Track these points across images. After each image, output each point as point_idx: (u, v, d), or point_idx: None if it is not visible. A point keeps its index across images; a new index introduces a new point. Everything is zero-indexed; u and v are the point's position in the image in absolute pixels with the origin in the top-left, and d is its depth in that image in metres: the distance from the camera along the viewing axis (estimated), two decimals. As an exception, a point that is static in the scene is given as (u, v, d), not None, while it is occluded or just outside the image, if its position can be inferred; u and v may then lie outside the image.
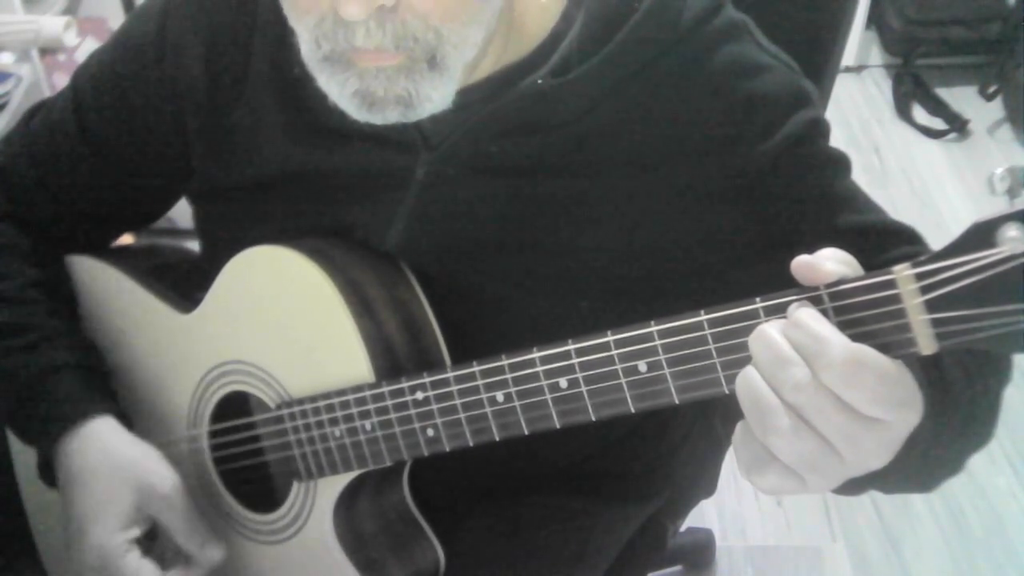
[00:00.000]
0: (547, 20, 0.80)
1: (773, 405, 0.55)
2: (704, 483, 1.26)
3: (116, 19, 2.30)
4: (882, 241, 0.77)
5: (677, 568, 1.78)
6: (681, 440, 1.11)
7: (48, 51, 2.14)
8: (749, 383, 0.56)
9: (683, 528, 1.39)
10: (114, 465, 0.87)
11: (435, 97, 0.73)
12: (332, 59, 0.71)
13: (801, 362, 0.54)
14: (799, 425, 0.54)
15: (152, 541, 0.89)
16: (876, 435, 0.55)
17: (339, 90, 0.72)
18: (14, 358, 0.91)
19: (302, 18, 0.71)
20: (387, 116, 0.73)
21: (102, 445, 0.88)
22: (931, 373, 0.61)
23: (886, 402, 0.54)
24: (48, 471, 0.92)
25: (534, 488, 1.00)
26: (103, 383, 0.94)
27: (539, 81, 0.77)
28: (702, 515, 1.85)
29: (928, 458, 0.64)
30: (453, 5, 0.69)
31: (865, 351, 0.54)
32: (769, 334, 0.56)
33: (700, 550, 1.78)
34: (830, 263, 0.56)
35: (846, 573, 1.77)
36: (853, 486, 0.63)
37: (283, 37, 0.85)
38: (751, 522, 1.87)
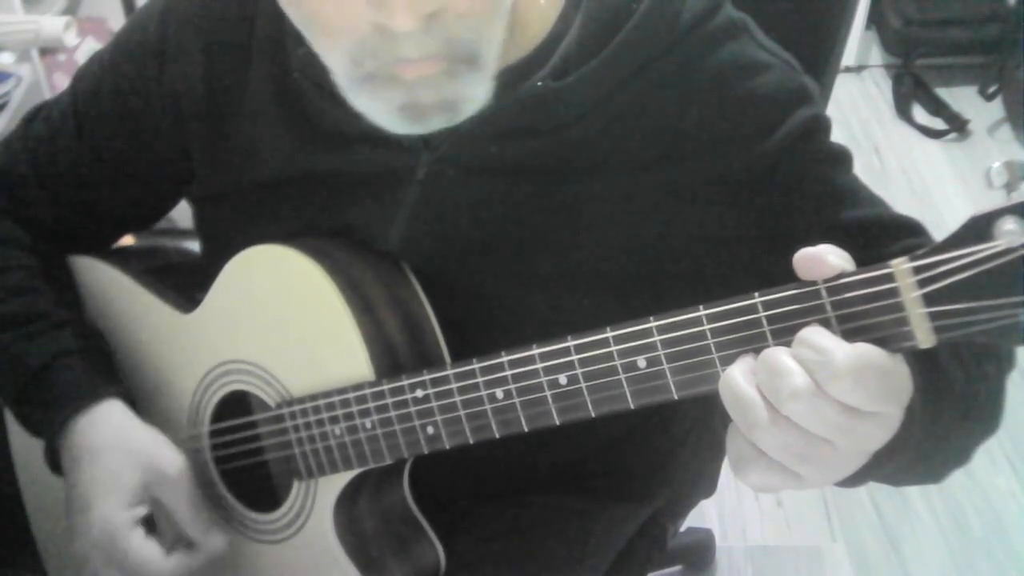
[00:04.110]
0: (546, 21, 0.80)
1: (752, 399, 0.55)
2: (704, 483, 1.26)
3: (116, 19, 2.30)
4: (886, 234, 0.78)
5: (677, 568, 1.78)
6: (681, 440, 1.11)
7: (48, 51, 2.14)
8: (727, 380, 0.57)
9: (683, 528, 1.39)
10: (123, 444, 0.87)
11: (478, 96, 0.73)
12: (374, 77, 0.70)
13: (800, 370, 0.54)
14: (776, 416, 0.55)
15: (151, 531, 0.89)
16: (874, 425, 0.55)
17: (383, 107, 0.72)
18: (22, 345, 0.92)
19: (337, 41, 0.70)
20: (432, 124, 0.73)
21: (112, 424, 0.88)
22: (923, 361, 0.61)
23: (886, 398, 0.54)
24: (54, 455, 0.91)
25: (534, 488, 1.00)
26: (109, 368, 0.94)
27: (539, 84, 0.77)
28: (702, 515, 1.85)
29: (928, 445, 0.64)
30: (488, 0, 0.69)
31: (867, 354, 0.53)
32: (771, 352, 0.56)
33: (700, 550, 1.78)
34: (833, 256, 0.57)
35: (846, 573, 1.77)
36: (854, 476, 0.63)
37: (281, 41, 0.85)
38: (751, 522, 1.87)
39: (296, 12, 0.72)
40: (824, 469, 0.56)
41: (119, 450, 0.87)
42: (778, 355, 0.55)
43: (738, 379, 0.57)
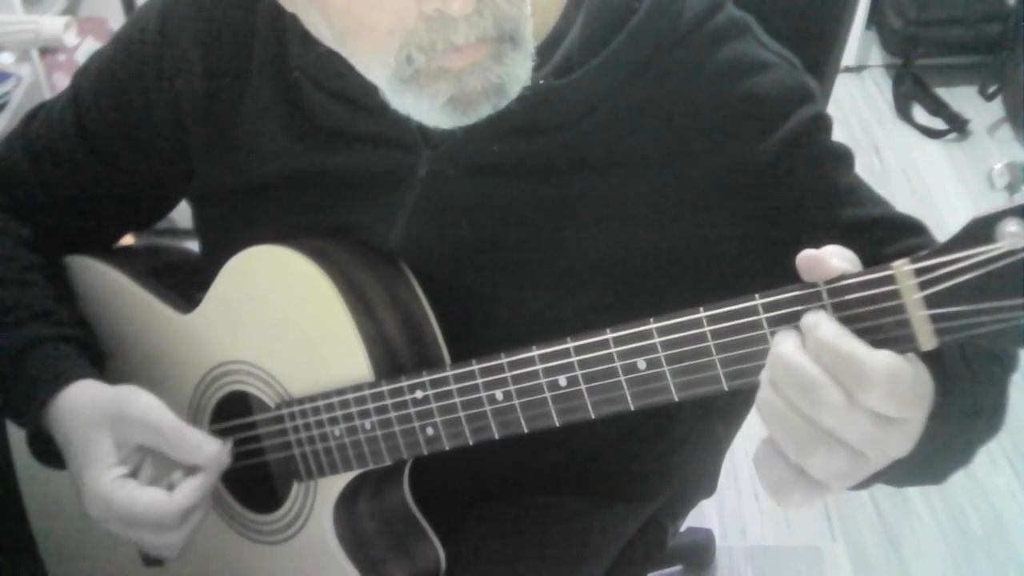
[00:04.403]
0: (548, 20, 0.81)
1: (807, 431, 0.54)
2: (704, 483, 1.26)
3: (116, 19, 2.30)
4: (887, 234, 0.78)
5: (677, 568, 1.78)
6: (681, 440, 1.11)
7: (48, 51, 2.14)
8: (776, 410, 0.55)
9: (683, 528, 1.39)
10: (87, 417, 0.85)
11: (522, 74, 0.73)
12: (420, 75, 0.70)
13: (832, 383, 0.53)
14: (833, 443, 0.54)
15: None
16: (900, 433, 0.55)
17: (430, 103, 0.72)
18: (4, 335, 0.91)
19: (384, 43, 0.70)
20: (480, 112, 0.73)
21: (77, 405, 0.86)
22: (933, 364, 0.61)
23: (912, 404, 0.54)
24: (38, 445, 0.91)
25: (534, 488, 1.00)
26: (88, 354, 0.92)
27: (541, 81, 0.77)
28: (702, 515, 1.85)
29: (935, 446, 0.64)
30: None
31: (899, 363, 0.53)
32: (790, 360, 0.55)
33: (700, 550, 1.78)
34: (835, 258, 0.56)
35: (846, 573, 1.77)
36: (865, 480, 0.63)
37: (282, 40, 0.85)
38: (751, 522, 1.87)
39: (340, 25, 0.72)
40: (854, 480, 0.56)
41: (84, 424, 0.85)
42: (804, 368, 0.54)
43: (783, 408, 0.55)
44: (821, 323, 0.55)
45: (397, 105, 0.74)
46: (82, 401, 0.86)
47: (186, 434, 0.84)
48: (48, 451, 0.90)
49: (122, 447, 0.85)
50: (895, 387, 0.53)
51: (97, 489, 0.83)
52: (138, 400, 0.85)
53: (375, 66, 0.72)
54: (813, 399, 0.54)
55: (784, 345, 0.56)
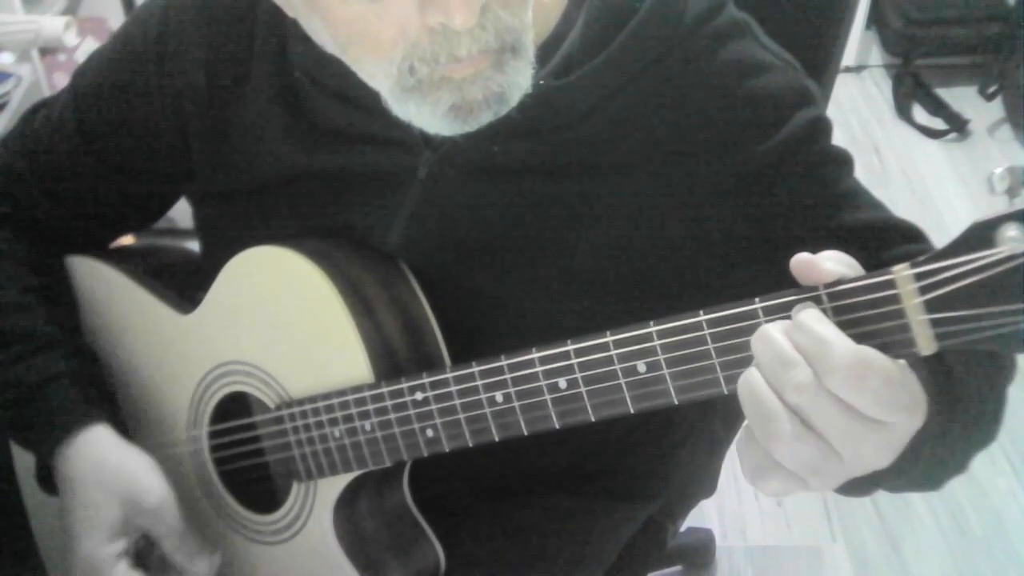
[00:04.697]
0: (549, 21, 0.80)
1: (775, 410, 0.55)
2: (704, 483, 1.26)
3: (116, 19, 2.30)
4: (885, 239, 0.77)
5: (677, 568, 1.78)
6: (681, 441, 1.11)
7: (48, 51, 2.14)
8: (751, 386, 0.56)
9: (683, 528, 1.40)
10: (104, 476, 0.86)
11: (523, 82, 0.73)
12: (424, 83, 0.71)
13: (803, 363, 0.54)
14: (800, 430, 0.54)
15: (151, 547, 0.88)
16: (877, 436, 0.55)
17: (432, 111, 0.72)
18: (9, 369, 0.91)
19: (386, 53, 0.70)
20: (482, 120, 0.73)
21: (94, 456, 0.87)
22: (938, 374, 0.61)
23: (888, 405, 0.54)
24: (46, 478, 0.91)
25: (534, 489, 1.00)
26: (99, 390, 0.93)
27: (541, 82, 0.77)
28: (702, 515, 1.85)
29: (935, 459, 0.64)
30: None
31: (868, 354, 0.53)
32: (771, 335, 0.55)
33: (700, 550, 1.78)
34: (829, 262, 0.56)
35: (846, 573, 1.77)
36: (859, 487, 0.62)
37: (283, 40, 0.85)
38: (751, 522, 1.87)
39: (343, 35, 0.72)
40: (831, 479, 0.56)
41: (98, 484, 0.86)
42: (781, 345, 0.55)
43: (760, 385, 0.56)
44: (805, 309, 0.56)
45: (399, 112, 0.74)
46: (93, 456, 0.88)
47: (188, 539, 0.87)
48: (52, 479, 0.91)
49: (127, 526, 0.86)
50: (860, 376, 0.53)
51: (89, 558, 0.85)
52: (155, 490, 0.86)
53: (378, 74, 0.72)
54: (782, 376, 0.54)
55: (769, 324, 0.56)
